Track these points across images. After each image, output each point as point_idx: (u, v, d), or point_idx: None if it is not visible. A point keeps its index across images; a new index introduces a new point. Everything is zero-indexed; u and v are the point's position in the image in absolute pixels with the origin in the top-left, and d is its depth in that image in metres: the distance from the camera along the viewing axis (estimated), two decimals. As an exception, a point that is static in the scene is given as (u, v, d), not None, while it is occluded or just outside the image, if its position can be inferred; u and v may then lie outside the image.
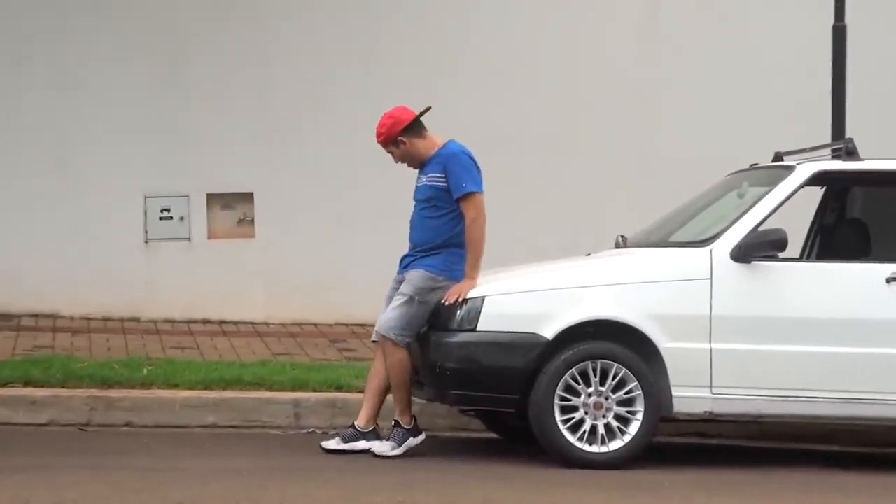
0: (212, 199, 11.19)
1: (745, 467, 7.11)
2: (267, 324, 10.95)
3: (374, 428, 7.05)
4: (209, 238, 11.17)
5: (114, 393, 7.86)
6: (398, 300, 6.99)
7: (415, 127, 7.05)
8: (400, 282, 7.11)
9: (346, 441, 7.02)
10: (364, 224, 11.06)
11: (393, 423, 6.97)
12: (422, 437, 6.99)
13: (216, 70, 11.10)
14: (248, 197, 11.21)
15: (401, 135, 7.04)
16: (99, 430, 7.62)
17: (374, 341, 7.14)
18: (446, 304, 6.89)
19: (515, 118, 11.09)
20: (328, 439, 7.16)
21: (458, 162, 6.97)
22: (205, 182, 11.12)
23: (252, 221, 11.22)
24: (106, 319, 10.90)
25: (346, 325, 10.94)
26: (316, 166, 11.14)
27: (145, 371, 8.24)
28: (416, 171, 7.19)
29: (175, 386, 8.05)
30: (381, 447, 6.90)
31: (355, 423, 7.07)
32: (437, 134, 7.11)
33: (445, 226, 7.01)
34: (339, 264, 11.04)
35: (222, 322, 10.94)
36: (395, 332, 6.93)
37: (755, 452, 7.77)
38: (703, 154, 10.62)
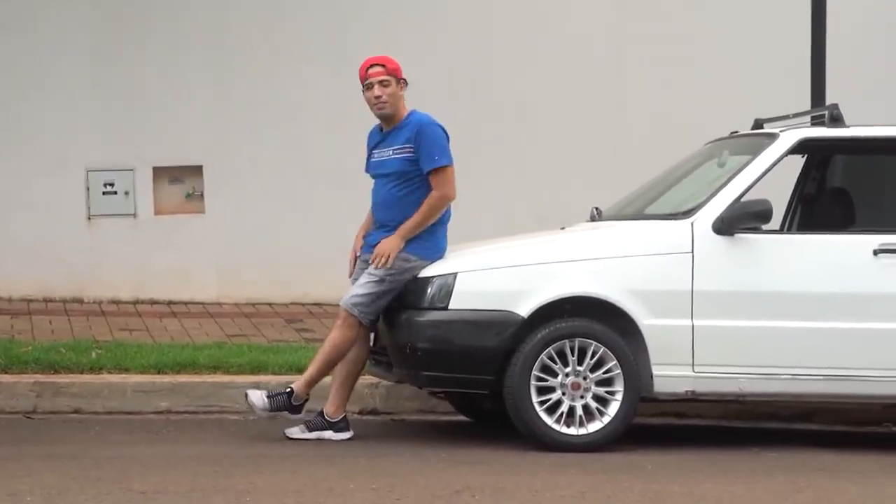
0: (159, 172, 10.74)
1: (727, 448, 6.91)
2: (219, 304, 10.57)
3: (344, 416, 6.72)
4: (156, 214, 10.73)
5: (61, 378, 7.53)
6: (367, 278, 6.66)
7: (405, 82, 6.74)
8: (367, 261, 6.75)
9: (311, 430, 6.70)
10: (319, 200, 10.69)
11: (288, 390, 6.63)
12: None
13: (167, 38, 10.66)
14: (197, 170, 10.78)
15: (404, 80, 6.69)
16: (46, 418, 7.29)
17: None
18: (372, 266, 6.59)
19: (484, 80, 10.76)
20: (291, 426, 6.82)
21: (431, 133, 6.63)
22: (151, 154, 10.67)
23: (202, 196, 10.80)
24: (47, 300, 10.49)
25: (302, 304, 10.60)
26: (269, 138, 10.75)
27: (94, 355, 7.90)
28: (370, 144, 6.81)
29: (126, 370, 7.73)
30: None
31: (323, 411, 6.73)
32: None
33: (416, 202, 6.66)
34: (294, 241, 10.68)
35: (171, 302, 10.56)
36: (360, 309, 6.62)
37: (735, 432, 7.59)
38: (677, 121, 10.38)
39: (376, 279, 6.63)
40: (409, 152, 6.65)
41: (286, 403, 6.62)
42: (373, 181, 6.89)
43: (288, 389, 6.66)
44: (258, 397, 6.62)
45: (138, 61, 10.64)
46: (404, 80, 6.72)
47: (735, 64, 10.80)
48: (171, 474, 5.64)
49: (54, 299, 10.49)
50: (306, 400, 6.70)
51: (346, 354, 6.66)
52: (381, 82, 6.66)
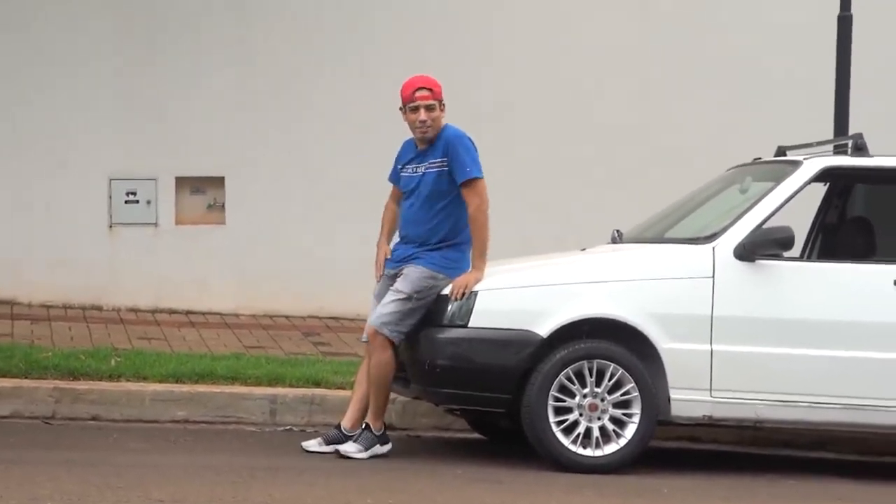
0: (181, 182, 10.80)
1: (743, 473, 6.91)
2: (237, 315, 10.60)
3: (361, 429, 6.71)
4: (177, 224, 10.79)
5: (80, 385, 7.53)
6: (394, 296, 6.63)
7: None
8: (392, 277, 6.75)
9: (328, 443, 6.70)
10: (339, 213, 10.73)
11: (364, 425, 6.65)
12: (388, 446, 6.67)
13: (191, 49, 10.73)
14: (219, 181, 10.83)
15: (443, 101, 6.68)
16: (65, 424, 7.30)
17: (364, 341, 6.78)
18: (452, 298, 6.57)
19: (503, 99, 10.77)
20: (308, 438, 6.85)
21: (462, 145, 6.62)
22: (174, 165, 10.73)
23: (223, 207, 10.85)
24: (66, 307, 10.52)
25: (319, 317, 10.62)
26: (290, 151, 10.79)
27: (113, 362, 7.90)
28: (403, 158, 6.81)
29: (144, 378, 7.73)
30: (347, 447, 6.58)
31: (341, 425, 6.74)
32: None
33: (446, 220, 6.67)
34: (313, 254, 10.71)
35: (189, 312, 10.59)
36: (390, 329, 6.60)
37: (750, 458, 7.56)
38: (700, 147, 10.39)
39: (404, 297, 6.62)
40: (442, 166, 6.65)
41: (372, 439, 6.61)
42: (399, 192, 6.86)
43: (364, 425, 6.64)
44: (349, 448, 6.55)
45: (162, 72, 10.70)
46: (443, 105, 6.69)
47: (758, 88, 10.80)
48: (189, 484, 5.65)
49: (73, 306, 10.53)
50: (385, 427, 6.68)
51: (392, 372, 6.61)
52: (427, 107, 6.62)
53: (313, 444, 6.73)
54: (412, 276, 6.64)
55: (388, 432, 6.75)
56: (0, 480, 5.49)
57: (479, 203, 6.59)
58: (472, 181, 6.60)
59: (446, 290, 6.63)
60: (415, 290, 6.62)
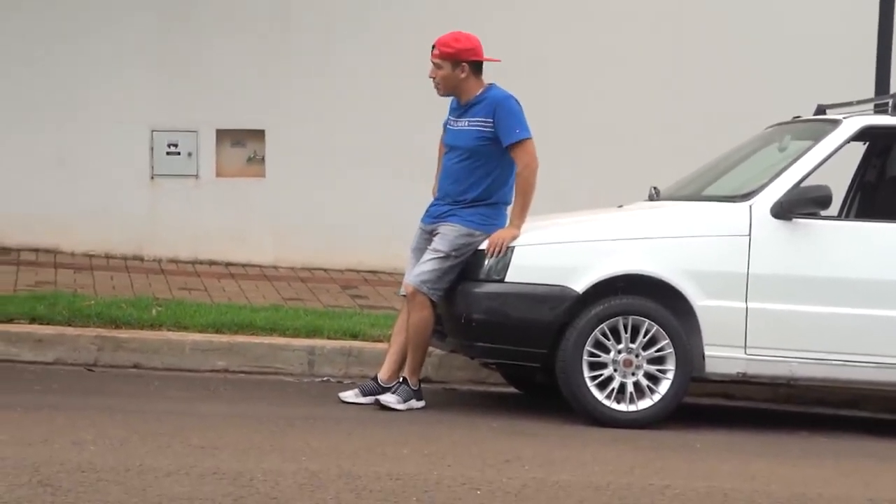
0: (222, 135, 10.86)
1: (775, 430, 6.95)
2: (275, 267, 10.69)
3: (398, 382, 6.80)
4: (217, 176, 10.84)
5: (122, 333, 7.65)
6: (432, 255, 6.68)
7: (480, 66, 6.73)
8: (429, 232, 6.80)
9: (365, 394, 6.78)
10: (378, 168, 10.77)
11: (401, 378, 6.73)
12: (422, 403, 6.74)
13: (230, 1, 10.75)
14: (259, 134, 10.89)
15: (467, 62, 6.69)
16: (107, 371, 7.42)
17: (402, 294, 6.85)
18: (488, 254, 6.62)
19: (540, 58, 10.76)
20: (345, 389, 6.94)
21: (509, 107, 6.65)
22: (215, 117, 10.78)
23: (262, 160, 10.90)
24: (108, 257, 10.64)
25: (357, 271, 10.69)
26: (331, 106, 10.82)
27: (154, 312, 8.01)
28: (450, 110, 6.85)
29: (185, 328, 7.84)
30: (387, 398, 6.66)
31: (378, 376, 6.83)
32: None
33: (485, 177, 6.71)
34: (352, 209, 10.77)
35: (229, 264, 10.69)
36: (429, 286, 6.65)
37: (782, 416, 7.60)
38: (737, 105, 10.34)
39: (442, 255, 6.66)
40: (488, 126, 6.67)
41: (409, 392, 6.69)
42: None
43: (401, 379, 6.72)
44: (389, 398, 6.63)
45: (204, 24, 10.74)
46: (464, 63, 6.67)
47: (798, 45, 10.73)
48: (228, 431, 5.75)
49: (115, 256, 10.64)
50: (420, 384, 6.76)
51: (430, 330, 6.68)
52: (435, 65, 6.71)
53: (350, 395, 6.82)
54: (449, 234, 6.69)
55: (423, 385, 6.83)
56: (44, 425, 5.62)
57: (529, 161, 6.64)
58: (521, 142, 6.64)
59: (483, 245, 6.68)
60: (453, 249, 6.67)
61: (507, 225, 6.71)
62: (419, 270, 6.69)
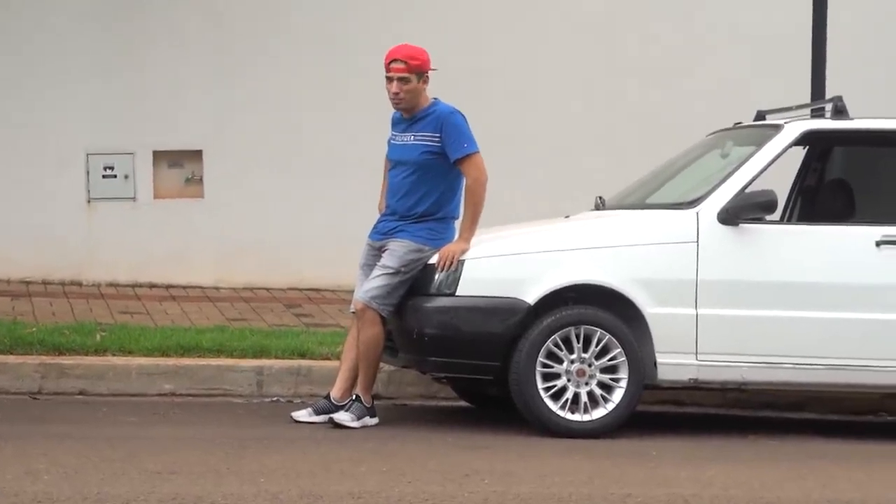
0: (158, 156, 10.75)
1: (726, 435, 7.00)
2: (217, 288, 10.59)
3: (351, 400, 6.74)
4: (155, 198, 10.72)
5: (66, 360, 7.55)
6: (381, 271, 6.65)
7: (428, 76, 6.70)
8: (378, 249, 6.76)
9: (318, 413, 6.73)
10: (318, 186, 10.70)
11: (354, 395, 6.68)
12: (376, 420, 6.71)
13: (166, 20, 10.65)
14: (196, 155, 10.78)
15: (425, 73, 6.64)
16: (52, 399, 7.31)
17: (352, 312, 6.79)
18: (438, 268, 6.60)
19: (486, 68, 10.77)
20: (296, 409, 6.88)
21: (455, 122, 6.63)
22: (151, 138, 10.67)
23: (201, 180, 10.80)
24: (46, 283, 10.48)
25: (300, 289, 10.62)
26: (268, 124, 10.74)
27: (98, 337, 7.90)
28: (393, 124, 6.82)
29: (130, 353, 7.74)
30: (341, 416, 6.61)
31: (331, 395, 6.77)
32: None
33: (433, 192, 6.69)
34: (292, 227, 10.69)
35: (169, 286, 10.56)
36: (378, 302, 6.61)
37: (732, 420, 7.65)
38: (673, 113, 10.41)
39: (391, 271, 6.63)
40: (435, 141, 6.64)
41: (364, 410, 6.63)
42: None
43: (354, 397, 6.66)
44: (343, 416, 6.56)
45: (139, 46, 10.62)
46: (427, 74, 6.65)
47: (736, 52, 10.82)
48: (182, 455, 5.68)
49: (53, 282, 10.49)
50: (373, 399, 6.71)
51: (381, 346, 6.64)
52: (400, 79, 6.60)
53: (303, 415, 6.76)
54: (398, 250, 6.66)
55: (374, 402, 6.78)
56: (-6, 455, 5.52)
57: (478, 175, 6.63)
58: (469, 156, 6.63)
59: (433, 260, 6.66)
60: (402, 265, 6.65)
61: (456, 238, 6.69)
62: (368, 287, 6.65)
